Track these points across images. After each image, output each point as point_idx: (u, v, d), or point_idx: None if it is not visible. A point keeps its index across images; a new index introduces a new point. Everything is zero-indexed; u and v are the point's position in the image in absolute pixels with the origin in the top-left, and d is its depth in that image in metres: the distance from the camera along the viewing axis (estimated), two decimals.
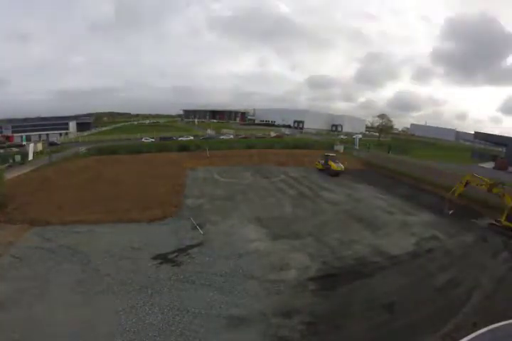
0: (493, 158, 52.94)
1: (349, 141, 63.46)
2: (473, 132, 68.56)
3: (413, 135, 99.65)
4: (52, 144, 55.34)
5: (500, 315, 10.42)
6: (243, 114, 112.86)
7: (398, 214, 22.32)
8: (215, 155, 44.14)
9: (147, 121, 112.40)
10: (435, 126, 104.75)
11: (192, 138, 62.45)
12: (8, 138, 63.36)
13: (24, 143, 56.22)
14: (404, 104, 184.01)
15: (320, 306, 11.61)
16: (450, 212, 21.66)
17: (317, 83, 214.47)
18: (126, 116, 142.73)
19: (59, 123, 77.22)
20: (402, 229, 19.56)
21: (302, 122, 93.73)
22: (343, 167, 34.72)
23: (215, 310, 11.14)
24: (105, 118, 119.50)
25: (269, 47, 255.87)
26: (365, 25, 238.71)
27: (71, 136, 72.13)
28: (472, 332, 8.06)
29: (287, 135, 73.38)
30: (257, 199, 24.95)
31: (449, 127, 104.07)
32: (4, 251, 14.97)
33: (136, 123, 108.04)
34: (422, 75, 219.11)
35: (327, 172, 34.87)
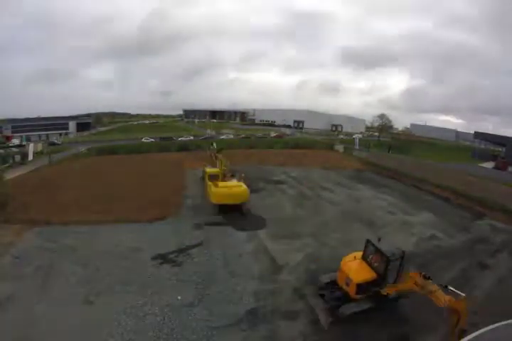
0: (493, 158, 52.93)
1: (349, 141, 63.45)
2: (473, 132, 68.59)
3: (413, 135, 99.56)
4: (52, 144, 55.29)
5: (501, 315, 10.43)
6: (243, 114, 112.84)
7: (398, 214, 22.32)
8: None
9: (147, 121, 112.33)
10: (435, 126, 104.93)
11: (192, 138, 62.43)
12: (8, 138, 63.33)
13: (24, 143, 56.18)
14: None
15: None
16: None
17: None
18: (126, 116, 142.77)
19: (59, 123, 77.23)
20: (402, 229, 19.55)
21: (302, 122, 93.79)
22: None
23: (215, 310, 11.16)
24: (105, 119, 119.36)
25: None
26: None
27: (71, 136, 72.11)
28: (472, 332, 8.07)
29: (287, 135, 73.34)
30: (257, 199, 24.92)
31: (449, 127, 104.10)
32: (4, 251, 14.98)
33: (136, 123, 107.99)
34: None
35: None
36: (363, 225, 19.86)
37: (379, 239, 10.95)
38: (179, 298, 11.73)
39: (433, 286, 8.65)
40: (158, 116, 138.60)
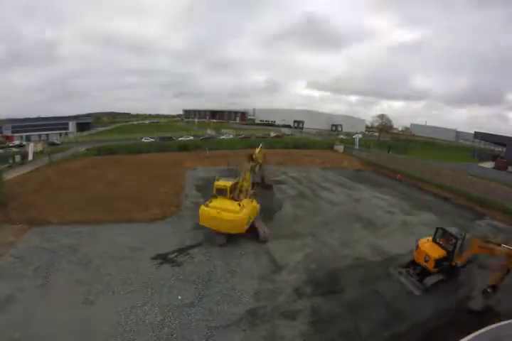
0: (493, 157, 52.95)
1: (349, 141, 63.44)
2: (473, 132, 68.63)
3: (413, 135, 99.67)
4: (52, 144, 55.28)
5: (500, 315, 10.44)
6: (243, 114, 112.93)
7: (398, 214, 22.32)
8: (215, 155, 44.13)
9: (147, 121, 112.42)
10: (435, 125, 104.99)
11: (192, 138, 62.44)
12: (8, 138, 63.39)
13: (24, 143, 56.21)
14: None
15: (321, 307, 11.63)
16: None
17: None
18: (126, 116, 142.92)
19: (59, 123, 77.17)
20: (402, 229, 19.56)
21: (302, 122, 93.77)
22: None
23: (215, 310, 11.16)
24: (105, 118, 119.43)
25: None
26: None
27: (71, 136, 72.12)
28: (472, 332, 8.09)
29: (287, 135, 73.37)
30: (257, 199, 24.90)
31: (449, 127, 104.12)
32: (4, 251, 14.99)
33: (136, 123, 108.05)
34: None
35: None
36: (362, 225, 19.87)
37: (442, 228, 13.74)
38: (179, 297, 11.74)
39: (492, 245, 11.53)
40: (158, 116, 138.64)
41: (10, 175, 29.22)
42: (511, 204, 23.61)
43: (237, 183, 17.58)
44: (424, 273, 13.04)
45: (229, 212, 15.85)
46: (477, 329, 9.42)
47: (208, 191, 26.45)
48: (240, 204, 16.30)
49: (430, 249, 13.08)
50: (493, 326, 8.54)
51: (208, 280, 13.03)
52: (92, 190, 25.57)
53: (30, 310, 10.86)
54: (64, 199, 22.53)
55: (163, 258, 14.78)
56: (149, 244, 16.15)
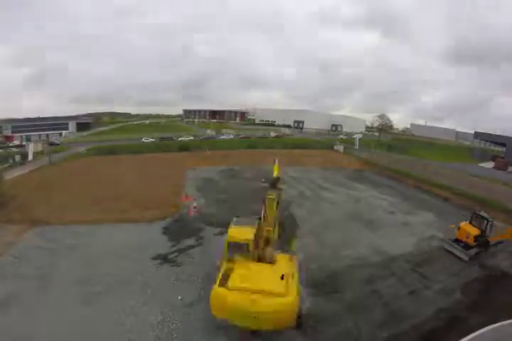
0: (493, 157, 52.96)
1: (349, 141, 63.42)
2: (473, 132, 68.68)
3: (413, 135, 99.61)
4: (52, 144, 55.23)
5: (501, 314, 10.43)
6: (243, 114, 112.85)
7: (398, 214, 22.32)
8: (216, 155, 44.15)
9: (147, 121, 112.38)
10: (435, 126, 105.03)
11: (192, 138, 62.44)
12: (8, 138, 63.39)
13: (24, 143, 56.20)
14: None
15: (321, 307, 11.61)
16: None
17: None
18: (126, 116, 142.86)
19: (59, 123, 77.14)
20: (402, 229, 19.56)
21: (302, 122, 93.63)
22: None
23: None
24: (105, 118, 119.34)
25: None
26: None
27: (71, 136, 72.11)
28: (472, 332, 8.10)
29: (287, 135, 73.35)
30: (257, 200, 24.86)
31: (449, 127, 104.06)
32: (4, 251, 14.99)
33: (136, 123, 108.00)
34: None
35: None
36: (362, 225, 19.86)
37: (476, 213, 17.33)
38: (179, 297, 11.73)
39: None
40: (158, 116, 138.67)
41: (10, 175, 29.20)
42: (511, 204, 23.60)
43: (259, 229, 11.24)
44: (465, 247, 16.27)
45: (273, 297, 9.04)
46: (477, 330, 9.45)
47: (207, 191, 26.49)
48: (283, 277, 9.72)
49: (469, 229, 16.70)
50: (494, 326, 8.55)
51: (208, 280, 13.00)
52: (92, 190, 25.56)
53: (30, 310, 10.85)
54: (64, 199, 22.53)
55: (163, 258, 14.77)
56: (149, 244, 16.14)
